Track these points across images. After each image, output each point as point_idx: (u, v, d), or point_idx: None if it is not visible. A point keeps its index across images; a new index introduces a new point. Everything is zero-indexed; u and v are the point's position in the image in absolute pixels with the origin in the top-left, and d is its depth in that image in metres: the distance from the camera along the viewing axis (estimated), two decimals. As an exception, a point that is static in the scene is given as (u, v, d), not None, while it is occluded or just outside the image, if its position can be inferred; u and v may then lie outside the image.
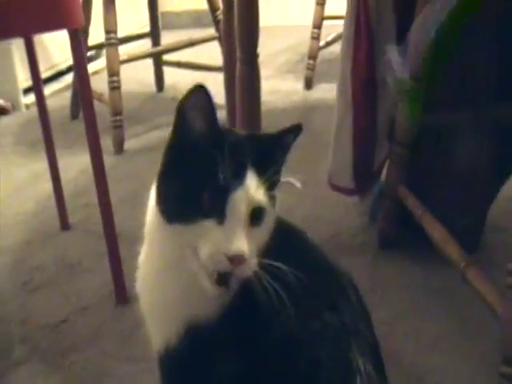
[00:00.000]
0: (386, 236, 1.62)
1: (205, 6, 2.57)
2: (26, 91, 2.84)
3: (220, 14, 2.47)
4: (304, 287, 0.77)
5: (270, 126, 2.50)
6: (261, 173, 0.71)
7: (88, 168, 2.10)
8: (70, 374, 1.30)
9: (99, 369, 1.30)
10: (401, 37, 1.43)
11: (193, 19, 4.15)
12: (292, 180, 2.01)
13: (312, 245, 0.84)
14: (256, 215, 0.70)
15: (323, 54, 2.96)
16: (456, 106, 1.44)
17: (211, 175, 0.69)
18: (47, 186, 1.99)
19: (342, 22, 3.08)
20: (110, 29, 2.22)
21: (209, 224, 0.69)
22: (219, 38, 2.51)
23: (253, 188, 0.70)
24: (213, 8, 2.50)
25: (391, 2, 1.43)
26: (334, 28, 3.04)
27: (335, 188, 1.66)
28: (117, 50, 2.26)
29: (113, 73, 2.27)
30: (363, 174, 1.60)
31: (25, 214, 1.94)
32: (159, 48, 2.75)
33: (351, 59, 1.49)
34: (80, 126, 2.54)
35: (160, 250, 0.78)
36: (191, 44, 2.59)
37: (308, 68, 2.72)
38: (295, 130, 0.77)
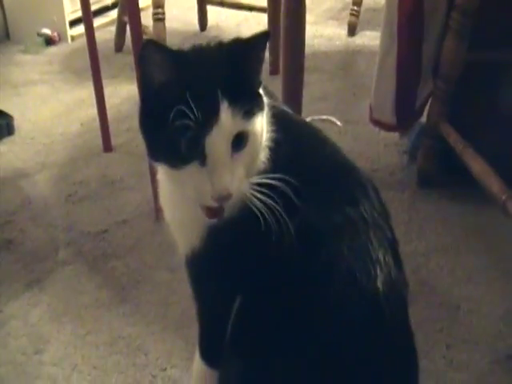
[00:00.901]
0: (425, 174, 1.63)
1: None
2: (72, 23, 2.87)
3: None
4: (322, 183, 0.80)
5: (312, 68, 2.52)
6: (235, 97, 0.70)
7: (131, 96, 2.18)
8: (111, 277, 1.36)
9: (137, 275, 1.36)
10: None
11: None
12: (333, 118, 2.04)
13: (330, 143, 0.85)
14: (238, 141, 0.71)
15: (368, 3, 2.93)
16: (506, 43, 1.42)
17: (184, 121, 0.68)
18: (92, 110, 2.04)
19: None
20: (158, 4, 2.22)
21: (192, 168, 0.71)
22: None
23: (228, 121, 0.69)
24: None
25: None
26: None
27: (376, 123, 1.66)
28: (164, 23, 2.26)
29: (158, 5, 2.27)
30: (405, 110, 1.60)
31: (70, 134, 1.99)
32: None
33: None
34: (123, 58, 2.62)
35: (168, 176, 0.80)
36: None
37: (352, 14, 2.68)
38: (262, 37, 0.73)
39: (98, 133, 1.89)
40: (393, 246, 0.81)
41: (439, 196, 1.60)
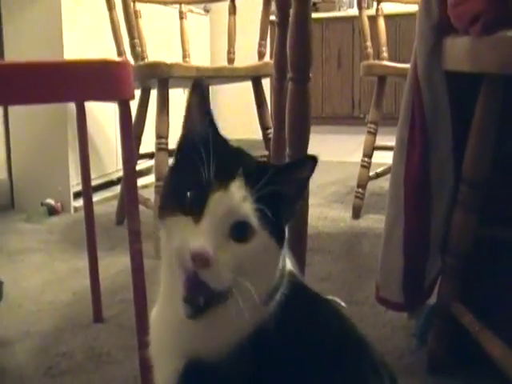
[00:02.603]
0: (436, 359, 1.50)
1: (255, 136, 2.65)
2: (77, 195, 2.90)
3: (271, 132, 2.54)
4: (328, 365, 0.72)
5: (315, 249, 2.51)
6: (252, 186, 0.67)
7: (127, 268, 2.11)
8: None
9: None
10: (457, 143, 1.42)
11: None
12: (337, 299, 1.96)
13: (345, 318, 0.79)
14: (240, 230, 0.66)
15: (372, 188, 2.98)
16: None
17: (199, 173, 0.67)
18: (86, 281, 1.96)
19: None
20: (161, 134, 2.28)
21: (187, 221, 0.67)
22: (268, 157, 2.56)
23: (237, 197, 0.66)
24: (264, 126, 2.56)
25: (448, 107, 1.43)
26: (384, 159, 3.10)
27: (383, 301, 1.57)
28: (166, 155, 2.30)
29: (160, 176, 2.29)
30: (414, 287, 1.52)
31: (60, 303, 1.89)
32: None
33: (404, 163, 1.46)
34: (123, 231, 2.58)
35: (163, 280, 0.76)
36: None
37: (356, 197, 2.71)
38: (307, 163, 0.71)
39: (90, 303, 1.79)
40: None
41: (453, 383, 1.47)
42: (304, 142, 1.57)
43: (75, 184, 2.87)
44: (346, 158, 3.85)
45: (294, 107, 1.54)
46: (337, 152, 4.15)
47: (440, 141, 1.43)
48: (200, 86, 0.71)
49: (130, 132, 1.48)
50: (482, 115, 1.35)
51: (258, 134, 2.71)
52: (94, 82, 1.32)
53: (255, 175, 0.68)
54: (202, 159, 0.67)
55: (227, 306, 0.68)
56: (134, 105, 2.26)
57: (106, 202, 3.06)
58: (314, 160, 0.70)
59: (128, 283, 2.02)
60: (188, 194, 0.67)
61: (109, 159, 3.12)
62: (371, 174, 2.78)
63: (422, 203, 1.46)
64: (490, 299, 1.44)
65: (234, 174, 0.67)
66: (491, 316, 1.35)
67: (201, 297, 0.67)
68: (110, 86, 1.35)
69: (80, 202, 2.88)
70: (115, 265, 2.18)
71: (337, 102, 5.38)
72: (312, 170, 0.71)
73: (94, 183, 2.90)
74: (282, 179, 0.69)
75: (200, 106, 0.72)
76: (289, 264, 0.77)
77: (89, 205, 1.85)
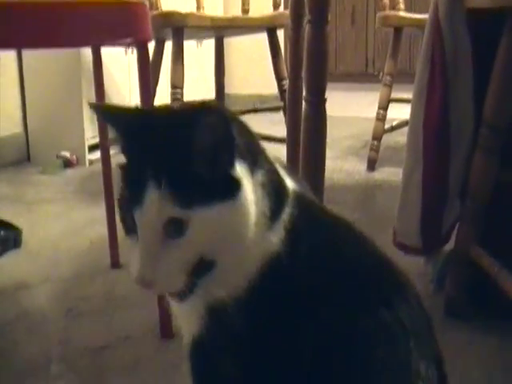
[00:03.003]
0: (454, 304, 1.50)
1: (267, 90, 2.62)
2: (91, 149, 2.91)
3: (286, 84, 2.51)
4: (351, 278, 0.70)
5: (331, 200, 2.51)
6: (173, 178, 0.62)
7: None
8: (106, 395, 1.21)
9: (137, 394, 1.21)
10: (477, 86, 1.40)
11: (255, 104, 4.24)
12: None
13: (363, 239, 0.76)
14: (173, 227, 0.63)
15: (387, 142, 2.95)
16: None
17: (126, 193, 0.65)
18: (103, 230, 1.97)
19: (408, 106, 3.10)
20: (176, 84, 2.26)
21: (132, 241, 0.66)
22: (284, 108, 2.54)
23: (154, 205, 0.62)
24: (279, 77, 2.54)
25: (469, 49, 1.40)
26: (398, 114, 3.08)
27: (401, 246, 1.57)
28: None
29: (175, 85, 2.27)
30: (432, 232, 1.51)
31: (78, 251, 1.91)
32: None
33: (424, 107, 1.44)
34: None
35: None
36: (255, 111, 2.61)
37: (372, 149, 2.70)
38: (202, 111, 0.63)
39: (107, 251, 1.81)
40: (437, 360, 0.69)
41: (471, 328, 1.46)
42: (322, 85, 1.56)
43: (90, 137, 2.88)
44: (360, 114, 3.82)
45: (313, 50, 1.52)
46: (351, 108, 4.11)
47: (460, 83, 1.41)
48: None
49: (148, 76, 1.46)
50: (504, 57, 1.33)
51: (270, 88, 2.68)
52: (110, 23, 1.30)
53: (172, 163, 0.63)
54: (126, 176, 0.66)
55: (217, 268, 0.66)
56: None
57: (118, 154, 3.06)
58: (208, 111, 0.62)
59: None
60: (124, 215, 0.66)
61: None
62: (386, 127, 2.76)
63: (441, 148, 1.45)
64: (508, 244, 1.43)
65: (143, 182, 0.63)
66: (509, 260, 1.35)
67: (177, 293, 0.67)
68: (128, 28, 1.33)
69: (95, 156, 2.89)
70: (131, 215, 2.18)
71: (350, 59, 5.31)
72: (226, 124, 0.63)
73: (109, 136, 2.90)
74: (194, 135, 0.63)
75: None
76: (290, 184, 0.73)
77: (106, 154, 1.84)
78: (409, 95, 2.87)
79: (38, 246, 1.95)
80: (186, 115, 0.66)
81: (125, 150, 0.68)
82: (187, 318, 0.72)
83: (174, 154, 0.63)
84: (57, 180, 2.66)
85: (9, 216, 2.03)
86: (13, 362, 1.32)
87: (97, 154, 2.91)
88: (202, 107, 0.63)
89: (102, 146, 1.87)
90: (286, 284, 0.68)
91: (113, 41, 1.60)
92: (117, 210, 0.68)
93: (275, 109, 2.67)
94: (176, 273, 0.64)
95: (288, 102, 2.23)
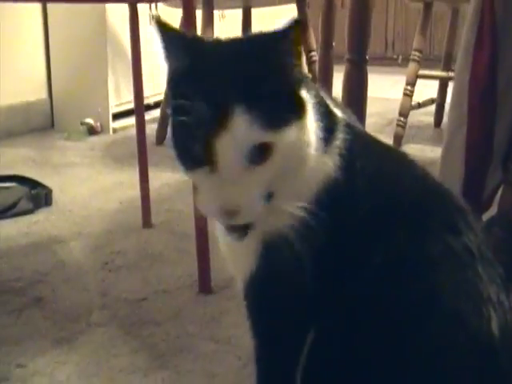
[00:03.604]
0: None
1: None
2: (115, 117, 2.90)
3: (315, 55, 2.50)
4: (414, 205, 0.69)
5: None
6: (257, 101, 0.60)
7: (171, 181, 2.12)
8: (148, 343, 1.21)
9: (178, 343, 1.21)
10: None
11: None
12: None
13: (419, 166, 0.74)
14: (259, 152, 0.61)
15: (411, 120, 2.93)
16: None
17: (195, 122, 0.61)
18: (131, 192, 1.99)
19: (436, 83, 3.07)
20: None
21: (203, 172, 0.62)
22: (314, 79, 2.52)
23: (241, 130, 0.59)
24: (307, 49, 2.52)
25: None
26: (426, 91, 3.06)
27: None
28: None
29: None
30: (474, 196, 1.49)
31: (108, 210, 1.91)
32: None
33: (470, 67, 1.42)
34: (164, 150, 2.60)
35: None
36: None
37: (398, 125, 2.67)
38: (291, 26, 0.61)
39: (137, 212, 1.81)
40: (505, 284, 0.68)
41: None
42: (365, 44, 1.56)
43: (114, 105, 2.87)
44: (382, 95, 3.79)
45: (355, 9, 1.51)
46: (372, 89, 4.07)
47: (509, 44, 1.39)
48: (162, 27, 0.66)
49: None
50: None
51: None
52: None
53: (253, 85, 0.61)
54: (195, 104, 0.61)
55: (276, 197, 0.65)
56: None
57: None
58: (297, 24, 0.61)
59: (173, 194, 2.05)
60: (193, 146, 0.62)
61: (146, 83, 3.09)
62: (413, 104, 2.74)
63: (486, 110, 1.43)
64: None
65: (228, 106, 0.60)
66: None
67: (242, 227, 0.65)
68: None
69: (119, 124, 2.89)
70: (159, 178, 2.17)
71: (370, 42, 5.27)
72: (298, 36, 0.62)
73: (131, 106, 2.89)
74: (273, 54, 0.62)
75: (170, 47, 0.65)
76: (339, 113, 0.72)
77: (141, 118, 1.82)
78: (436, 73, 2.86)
79: (69, 204, 1.95)
80: (262, 37, 0.63)
81: (190, 77, 0.64)
82: (242, 258, 0.71)
83: (255, 75, 0.61)
84: (82, 146, 2.65)
85: (37, 178, 2.03)
86: (53, 310, 1.32)
87: (120, 123, 2.92)
88: (276, 30, 0.62)
89: (138, 109, 1.85)
90: (344, 209, 0.68)
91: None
92: (173, 148, 0.64)
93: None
94: (257, 200, 0.63)
95: (319, 70, 2.23)
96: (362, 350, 0.65)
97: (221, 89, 0.61)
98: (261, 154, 0.61)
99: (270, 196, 0.64)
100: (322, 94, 0.72)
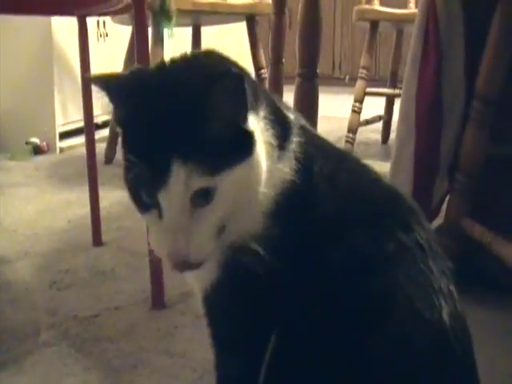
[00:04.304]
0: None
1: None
2: (62, 136, 2.85)
3: (265, 73, 2.51)
4: (368, 205, 0.70)
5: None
6: (192, 153, 0.59)
7: (119, 200, 2.10)
8: (101, 360, 1.17)
9: (132, 359, 1.17)
10: (470, 59, 1.42)
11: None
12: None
13: (370, 168, 0.75)
14: (202, 195, 0.61)
15: (359, 138, 2.98)
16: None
17: (139, 174, 0.62)
18: (80, 211, 1.96)
19: (382, 101, 3.14)
20: None
21: (152, 215, 0.63)
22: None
23: (181, 182, 0.59)
24: (257, 66, 2.54)
25: (462, 27, 1.43)
26: (373, 110, 3.11)
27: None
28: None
29: None
30: (421, 206, 1.51)
31: (56, 229, 1.86)
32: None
33: (417, 79, 1.46)
34: (112, 169, 2.57)
35: None
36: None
37: (347, 141, 2.71)
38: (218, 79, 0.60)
39: (86, 230, 1.76)
40: (453, 276, 0.71)
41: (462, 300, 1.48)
42: (315, 58, 1.57)
43: (61, 124, 2.82)
44: (330, 113, 3.85)
45: (306, 17, 1.52)
46: (321, 108, 4.13)
47: (454, 56, 1.44)
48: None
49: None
50: (498, 29, 1.35)
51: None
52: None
53: (191, 131, 0.60)
54: (131, 153, 0.62)
55: (235, 217, 0.65)
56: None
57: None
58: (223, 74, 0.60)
59: (123, 213, 2.01)
60: (141, 191, 0.63)
61: (94, 101, 3.05)
62: (361, 120, 2.79)
63: (433, 120, 1.46)
64: (498, 218, 1.45)
65: (165, 160, 0.59)
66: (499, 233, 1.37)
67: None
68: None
69: (66, 143, 2.83)
70: (108, 197, 2.13)
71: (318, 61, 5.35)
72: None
73: (78, 125, 2.85)
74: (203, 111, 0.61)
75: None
76: (292, 116, 0.72)
77: (91, 136, 1.79)
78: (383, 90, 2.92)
79: (14, 224, 1.89)
80: (200, 82, 0.61)
81: (130, 126, 0.64)
82: (201, 271, 0.69)
83: (191, 124, 0.60)
84: (27, 166, 2.59)
85: (-21, 198, 1.96)
86: (-1, 330, 1.27)
87: (68, 142, 2.86)
88: (213, 72, 0.61)
89: (88, 127, 1.81)
90: (304, 210, 0.68)
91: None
92: (126, 190, 0.65)
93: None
94: (208, 239, 0.63)
95: (269, 86, 2.24)
96: (325, 350, 0.65)
97: (158, 143, 0.60)
98: (205, 195, 0.61)
99: (223, 227, 0.65)
100: (273, 98, 0.73)
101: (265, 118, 0.67)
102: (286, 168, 0.67)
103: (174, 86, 0.62)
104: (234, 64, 0.67)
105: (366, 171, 0.74)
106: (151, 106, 0.61)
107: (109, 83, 0.65)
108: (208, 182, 0.60)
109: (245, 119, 0.63)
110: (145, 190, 0.62)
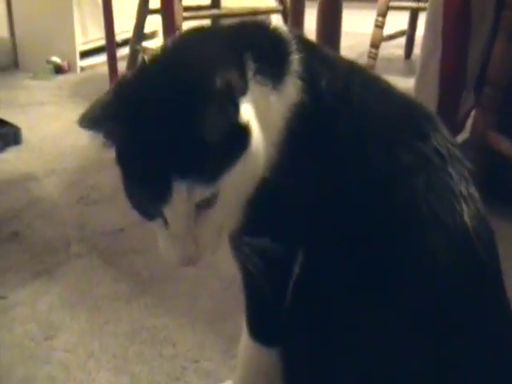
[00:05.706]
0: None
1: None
2: (83, 55, 2.82)
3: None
4: (382, 118, 0.68)
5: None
6: (190, 167, 0.59)
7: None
8: (130, 271, 1.21)
9: (159, 270, 1.21)
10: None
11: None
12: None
13: (382, 78, 0.73)
14: (204, 202, 0.61)
15: (382, 53, 2.91)
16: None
17: (140, 193, 0.63)
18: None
19: (405, 16, 3.04)
20: None
21: (159, 223, 0.64)
22: (283, 12, 2.49)
23: (183, 199, 0.60)
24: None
25: None
26: (396, 25, 3.02)
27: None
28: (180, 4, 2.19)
29: (176, 27, 2.21)
30: (447, 119, 1.49)
31: (80, 147, 1.86)
32: (220, 11, 2.66)
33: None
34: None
35: None
36: (254, 13, 2.53)
37: (370, 56, 2.65)
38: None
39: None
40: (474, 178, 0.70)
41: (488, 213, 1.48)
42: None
43: (81, 43, 2.78)
44: (352, 29, 3.75)
45: None
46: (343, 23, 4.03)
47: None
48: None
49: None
50: None
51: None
52: None
53: (187, 146, 0.59)
54: (132, 176, 0.63)
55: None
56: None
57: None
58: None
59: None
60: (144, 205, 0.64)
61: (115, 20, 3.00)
62: (384, 35, 2.71)
63: (461, 31, 1.42)
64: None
65: (166, 182, 0.59)
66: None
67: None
68: None
69: (87, 62, 2.81)
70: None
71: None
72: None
73: (98, 44, 2.82)
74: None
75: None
76: (290, 32, 0.70)
77: (112, 55, 1.76)
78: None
79: (39, 142, 1.91)
80: (190, 99, 0.59)
81: (125, 149, 0.65)
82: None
83: (183, 141, 0.59)
84: (49, 85, 2.58)
85: (4, 117, 1.97)
86: (31, 244, 1.31)
87: (88, 61, 2.84)
88: (197, 88, 0.59)
89: (109, 44, 1.79)
90: (318, 130, 0.67)
91: None
92: (126, 196, 0.65)
93: (274, 11, 2.61)
94: (215, 236, 0.65)
95: (291, 3, 2.18)
96: (350, 270, 0.66)
97: (155, 166, 0.60)
98: (207, 202, 0.61)
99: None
100: (264, 30, 0.70)
101: (254, 69, 0.65)
102: (292, 90, 0.66)
103: (160, 106, 0.61)
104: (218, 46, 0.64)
105: (377, 81, 0.72)
106: (142, 131, 0.61)
107: (101, 126, 0.67)
108: (210, 190, 0.60)
109: (236, 115, 0.61)
110: (148, 205, 0.63)
